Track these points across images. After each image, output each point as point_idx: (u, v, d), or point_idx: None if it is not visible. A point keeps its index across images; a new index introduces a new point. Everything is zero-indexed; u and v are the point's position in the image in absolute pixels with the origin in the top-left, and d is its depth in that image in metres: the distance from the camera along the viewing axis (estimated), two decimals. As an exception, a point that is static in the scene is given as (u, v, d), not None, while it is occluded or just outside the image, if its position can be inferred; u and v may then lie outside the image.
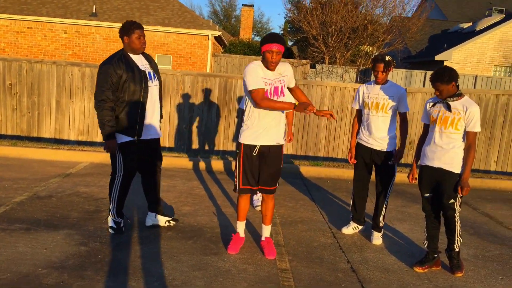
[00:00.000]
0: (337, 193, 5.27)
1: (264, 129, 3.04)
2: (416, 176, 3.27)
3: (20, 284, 2.54)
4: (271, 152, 3.10)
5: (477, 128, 2.99)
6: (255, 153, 3.06)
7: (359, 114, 3.78)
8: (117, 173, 3.33)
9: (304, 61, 15.44)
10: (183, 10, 16.22)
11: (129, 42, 3.26)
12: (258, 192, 3.64)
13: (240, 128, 3.16)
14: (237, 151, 3.14)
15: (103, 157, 5.86)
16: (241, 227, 3.30)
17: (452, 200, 3.03)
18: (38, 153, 5.91)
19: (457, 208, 3.06)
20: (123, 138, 3.30)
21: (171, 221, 3.63)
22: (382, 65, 3.47)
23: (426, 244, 3.22)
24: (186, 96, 6.78)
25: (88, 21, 14.86)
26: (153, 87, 3.39)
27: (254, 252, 3.26)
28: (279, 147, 3.13)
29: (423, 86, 14.46)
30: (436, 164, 3.09)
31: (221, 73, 8.02)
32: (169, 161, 5.97)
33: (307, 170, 6.12)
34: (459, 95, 3.03)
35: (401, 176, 5.89)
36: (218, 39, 16.58)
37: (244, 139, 3.09)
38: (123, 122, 3.26)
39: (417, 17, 15.84)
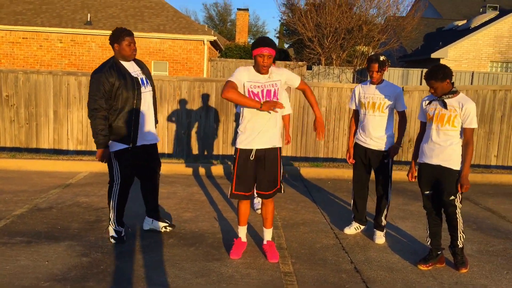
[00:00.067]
0: (338, 193, 5.26)
1: (258, 133, 3.03)
2: (416, 174, 3.27)
3: (22, 297, 2.52)
4: (268, 156, 3.09)
5: (474, 124, 2.99)
6: (252, 157, 3.05)
7: (356, 114, 3.78)
8: (114, 181, 3.33)
9: (300, 63, 15.48)
10: (177, 16, 16.26)
11: (119, 50, 3.26)
12: (256, 196, 3.62)
13: (236, 133, 3.16)
14: (234, 156, 3.13)
15: (103, 166, 5.85)
16: (242, 231, 3.29)
17: (452, 197, 3.02)
18: (37, 165, 5.90)
19: (458, 204, 3.05)
20: (118, 146, 3.29)
21: (167, 227, 3.65)
22: (376, 65, 3.47)
23: (429, 242, 3.21)
24: (183, 102, 6.78)
25: (83, 29, 14.88)
26: (146, 93, 3.38)
27: (256, 256, 3.24)
28: (276, 150, 3.12)
29: (420, 84, 14.49)
30: (434, 161, 3.09)
31: (217, 78, 8.03)
32: (168, 167, 5.95)
33: (307, 172, 6.11)
34: (455, 92, 3.03)
35: (401, 174, 5.89)
36: (213, 43, 16.62)
37: (240, 143, 3.09)
38: (118, 130, 3.26)
39: (412, 16, 15.92)
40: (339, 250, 3.44)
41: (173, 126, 6.79)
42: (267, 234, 3.28)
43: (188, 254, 3.24)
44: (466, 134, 3.01)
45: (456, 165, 3.04)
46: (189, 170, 6.03)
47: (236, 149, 3.12)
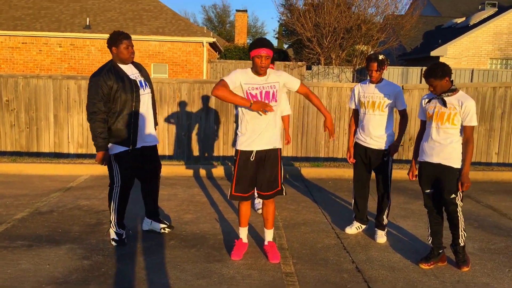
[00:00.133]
0: (338, 193, 5.25)
1: (258, 134, 3.03)
2: (416, 173, 3.26)
3: (24, 301, 2.52)
4: (269, 157, 3.09)
5: (474, 122, 2.98)
6: (252, 158, 3.05)
7: (356, 113, 3.78)
8: (115, 183, 3.34)
9: (299, 63, 15.48)
10: (176, 18, 16.29)
11: (117, 53, 3.28)
12: (257, 196, 3.62)
13: (236, 135, 3.16)
14: (235, 157, 3.13)
15: (103, 169, 5.85)
16: (243, 233, 3.29)
17: (453, 195, 3.02)
18: (38, 168, 5.91)
19: (459, 202, 3.04)
20: (118, 148, 3.31)
21: (166, 229, 3.67)
22: (375, 64, 3.47)
23: (430, 240, 3.20)
24: (183, 104, 6.79)
25: (83, 33, 14.92)
26: (145, 95, 3.40)
27: (258, 257, 3.24)
28: (277, 151, 3.12)
29: (420, 82, 14.48)
30: (435, 160, 3.09)
31: (217, 79, 8.02)
32: (169, 169, 5.96)
33: (308, 172, 6.10)
34: (454, 90, 3.03)
35: (402, 173, 5.88)
36: (213, 45, 16.63)
37: (240, 145, 3.09)
38: (117, 132, 3.27)
39: (410, 14, 15.91)
40: (340, 250, 3.43)
41: (173, 128, 6.79)
42: (268, 235, 3.27)
43: (189, 255, 3.24)
44: (466, 132, 3.01)
45: (456, 163, 3.03)
46: (190, 172, 6.03)
47: (236, 150, 3.12)
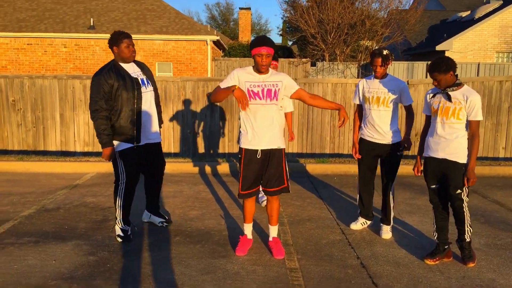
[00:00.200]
0: (344, 189, 5.24)
1: (261, 133, 3.03)
2: (421, 168, 3.24)
3: (31, 297, 2.55)
4: (273, 154, 3.09)
5: (479, 117, 2.95)
6: (258, 156, 3.05)
7: (360, 109, 3.76)
8: (120, 180, 3.37)
9: (304, 59, 15.43)
10: (180, 17, 16.31)
11: (118, 52, 3.32)
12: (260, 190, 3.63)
13: (240, 133, 3.17)
14: (239, 155, 3.14)
15: (109, 166, 5.89)
16: (248, 229, 3.29)
17: (459, 191, 2.99)
18: (45, 167, 5.96)
19: (465, 198, 3.02)
20: (122, 145, 3.36)
21: (164, 223, 3.74)
22: (380, 59, 3.45)
23: (436, 236, 3.18)
24: (188, 102, 6.80)
25: (87, 34, 15.01)
26: (147, 93, 3.43)
27: (262, 253, 3.24)
28: (281, 151, 3.12)
29: (425, 77, 14.36)
30: (440, 155, 3.06)
31: (221, 77, 8.03)
32: (175, 166, 5.98)
33: (313, 168, 6.09)
34: (459, 85, 2.99)
35: (408, 168, 5.84)
36: (216, 43, 16.64)
37: (244, 144, 3.09)
38: (120, 129, 3.32)
39: (415, 8, 15.76)
40: (345, 246, 3.42)
41: (178, 126, 6.81)
42: (273, 231, 3.28)
43: (194, 251, 3.26)
44: (471, 126, 2.98)
45: (462, 159, 3.00)
46: (195, 169, 6.05)
47: (240, 149, 3.13)
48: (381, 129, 3.55)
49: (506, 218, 4.16)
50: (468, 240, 3.10)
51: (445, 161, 3.04)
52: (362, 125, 3.70)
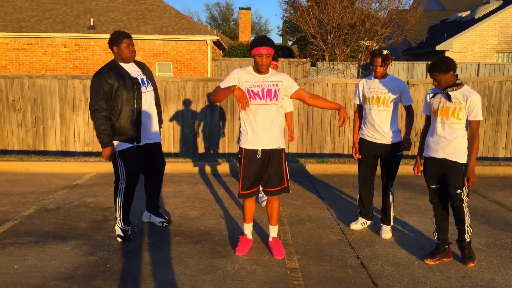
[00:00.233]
0: (344, 189, 5.23)
1: (261, 133, 3.02)
2: (422, 168, 3.24)
3: (31, 297, 2.55)
4: (273, 154, 3.09)
5: (479, 117, 2.95)
6: (258, 156, 3.05)
7: (360, 109, 3.76)
8: (120, 180, 3.37)
9: (304, 59, 15.43)
10: (180, 17, 16.31)
11: (118, 52, 3.33)
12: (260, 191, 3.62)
13: (240, 133, 3.17)
14: (239, 155, 3.13)
15: (109, 166, 5.89)
16: (248, 229, 3.29)
17: (459, 191, 2.99)
18: (45, 167, 5.96)
19: (465, 198, 3.02)
20: (122, 145, 3.36)
21: (164, 223, 3.76)
22: (380, 59, 3.45)
23: (436, 236, 3.18)
24: (188, 102, 6.80)
25: (87, 34, 15.01)
26: (147, 93, 3.44)
27: (262, 253, 3.24)
28: (281, 151, 3.12)
29: (425, 77, 14.36)
30: (440, 155, 3.06)
31: (221, 77, 8.04)
32: (175, 166, 5.98)
33: (313, 168, 6.09)
34: (459, 85, 2.99)
35: (408, 169, 5.84)
36: (216, 43, 16.63)
37: (244, 144, 3.09)
38: (120, 130, 3.32)
39: (415, 8, 15.77)
40: (345, 246, 3.42)
41: (178, 126, 6.81)
42: (273, 231, 3.28)
43: (194, 251, 3.26)
44: (471, 126, 2.98)
45: (462, 159, 3.00)
46: (195, 169, 6.05)
47: (240, 149, 3.12)
48: (381, 129, 3.55)
49: (506, 218, 4.16)
50: (468, 240, 3.09)
51: (445, 161, 3.04)
52: (362, 125, 3.70)
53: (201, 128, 6.83)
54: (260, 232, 3.68)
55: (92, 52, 15.15)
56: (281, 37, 31.72)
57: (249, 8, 24.65)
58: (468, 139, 3.01)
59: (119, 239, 3.41)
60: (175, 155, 6.81)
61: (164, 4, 16.96)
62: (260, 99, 2.99)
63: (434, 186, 3.14)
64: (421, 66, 14.65)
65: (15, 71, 14.95)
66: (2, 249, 3.24)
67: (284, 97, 3.14)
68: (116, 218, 3.43)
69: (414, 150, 6.91)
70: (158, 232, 3.63)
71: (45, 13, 16.00)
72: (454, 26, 18.75)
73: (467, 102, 2.94)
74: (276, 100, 3.03)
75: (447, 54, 16.55)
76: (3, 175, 5.67)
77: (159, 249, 3.29)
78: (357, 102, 3.74)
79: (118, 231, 3.42)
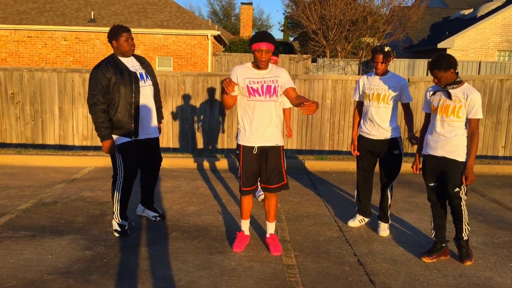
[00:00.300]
0: (342, 186, 5.23)
1: (259, 130, 3.01)
2: (420, 166, 3.22)
3: (27, 291, 2.55)
4: (271, 151, 3.08)
5: (479, 115, 2.93)
6: (254, 151, 3.04)
7: (359, 105, 3.74)
8: (118, 175, 3.36)
9: (305, 55, 15.37)
10: (181, 11, 16.22)
11: (118, 46, 3.32)
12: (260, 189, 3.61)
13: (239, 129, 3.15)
14: (237, 151, 3.12)
15: (107, 161, 5.88)
16: (245, 225, 3.29)
17: (457, 189, 2.98)
18: (43, 160, 5.95)
19: (463, 196, 3.01)
20: (121, 140, 3.35)
21: (157, 217, 3.77)
22: (381, 56, 3.42)
23: (433, 234, 3.18)
24: (187, 97, 6.78)
25: (87, 27, 14.93)
26: (146, 87, 3.42)
27: (259, 249, 3.24)
28: (279, 148, 3.10)
29: (426, 75, 14.31)
30: (439, 153, 3.05)
31: (221, 72, 8.00)
32: (173, 161, 5.97)
33: (312, 165, 6.08)
34: (459, 82, 2.97)
35: (407, 166, 5.82)
36: (217, 38, 16.56)
37: (242, 140, 3.08)
38: (119, 123, 3.31)
39: (417, 6, 15.70)
40: (342, 243, 3.42)
41: (178, 121, 6.79)
42: (270, 228, 3.27)
43: (191, 247, 3.25)
44: (471, 125, 2.96)
45: (461, 157, 2.99)
46: (194, 164, 6.04)
47: (238, 145, 3.11)
48: (380, 126, 3.53)
49: (504, 217, 4.15)
50: (465, 238, 3.09)
51: (443, 159, 3.03)
52: (362, 122, 3.68)
53: (200, 123, 6.81)
54: (258, 228, 3.67)
55: (92, 45, 15.09)
56: (282, 32, 31.58)
57: (251, 3, 24.52)
58: (467, 137, 3.00)
59: (116, 234, 3.40)
60: (174, 150, 6.79)
61: (165, -2, 16.87)
62: (260, 95, 2.97)
63: (432, 184, 3.13)
64: (422, 64, 14.60)
65: (14, 64, 14.89)
66: (-1, 242, 3.24)
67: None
68: (114, 213, 3.42)
69: (413, 147, 6.90)
70: (155, 228, 3.62)
71: (46, 6, 15.92)
72: (456, 24, 18.66)
73: (467, 100, 2.92)
74: (276, 96, 3.01)
75: (448, 52, 16.48)
76: (1, 169, 5.66)
77: (156, 244, 3.29)
78: (357, 99, 3.72)
79: (115, 226, 3.41)
